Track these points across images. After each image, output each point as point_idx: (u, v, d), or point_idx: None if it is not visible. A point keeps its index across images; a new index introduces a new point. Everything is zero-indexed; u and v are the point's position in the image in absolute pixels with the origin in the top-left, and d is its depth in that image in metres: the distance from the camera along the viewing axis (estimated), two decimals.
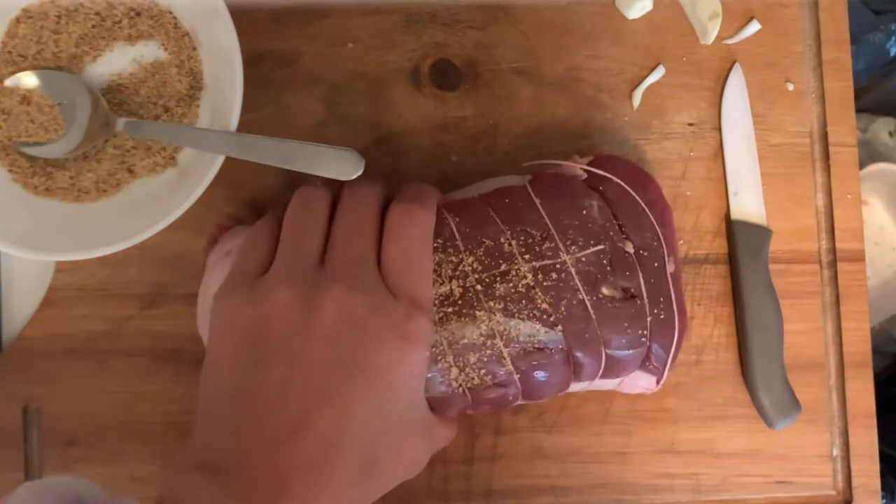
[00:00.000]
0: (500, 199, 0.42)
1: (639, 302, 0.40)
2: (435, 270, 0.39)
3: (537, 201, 0.41)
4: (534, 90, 0.49)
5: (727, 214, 0.49)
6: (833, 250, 0.50)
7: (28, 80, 0.44)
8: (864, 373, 0.50)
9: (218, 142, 0.42)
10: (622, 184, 0.42)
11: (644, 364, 0.42)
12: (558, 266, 0.40)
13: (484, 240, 0.40)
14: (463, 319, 0.39)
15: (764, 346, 0.48)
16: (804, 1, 0.51)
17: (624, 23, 0.50)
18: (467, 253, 0.40)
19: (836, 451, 0.50)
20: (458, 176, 0.48)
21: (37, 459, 0.46)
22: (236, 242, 0.42)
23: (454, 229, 0.40)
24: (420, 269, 0.38)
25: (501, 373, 0.39)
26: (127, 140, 0.45)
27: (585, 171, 0.43)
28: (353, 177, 0.40)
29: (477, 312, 0.39)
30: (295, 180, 0.47)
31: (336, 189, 0.41)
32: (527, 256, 0.40)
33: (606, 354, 0.40)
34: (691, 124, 0.50)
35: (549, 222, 0.41)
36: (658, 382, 0.43)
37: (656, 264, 0.41)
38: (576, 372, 0.41)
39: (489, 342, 0.39)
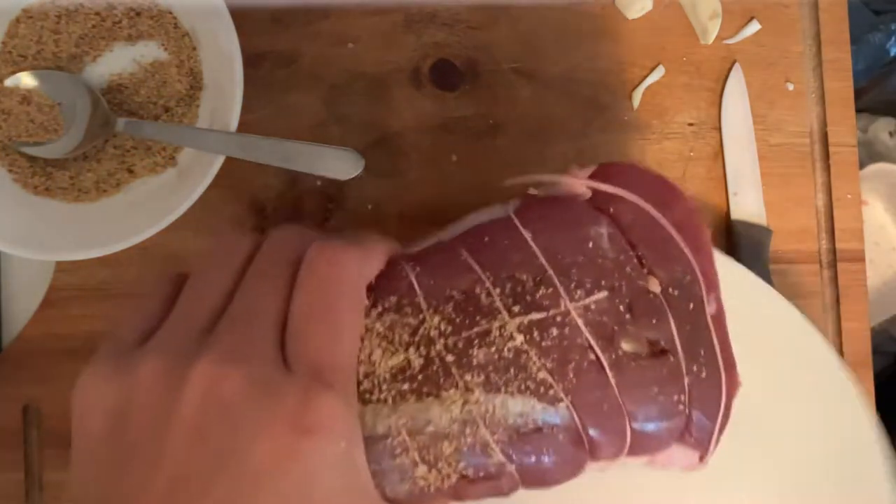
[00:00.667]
0: (478, 239, 0.33)
1: (672, 358, 0.31)
2: (385, 337, 0.30)
3: (527, 235, 0.32)
4: (534, 90, 0.49)
5: (727, 214, 0.49)
6: (833, 250, 0.50)
7: (28, 80, 0.44)
8: (864, 373, 0.50)
9: (218, 142, 0.42)
10: (639, 201, 0.33)
11: (683, 437, 0.32)
12: (559, 319, 0.31)
13: (454, 293, 0.31)
14: (425, 399, 0.30)
15: None
16: (804, 1, 0.51)
17: (624, 23, 0.50)
18: (431, 311, 0.31)
19: None
20: (458, 176, 0.48)
21: (37, 459, 0.46)
22: None
23: (413, 282, 0.31)
24: (332, 326, 0.29)
25: (489, 465, 0.30)
26: (127, 140, 0.45)
27: (589, 187, 0.34)
28: (353, 176, 0.40)
29: (446, 390, 0.30)
30: (295, 180, 0.47)
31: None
32: (514, 309, 0.31)
33: (632, 429, 0.31)
34: (691, 124, 0.50)
35: (544, 262, 0.32)
36: (703, 459, 0.33)
37: (692, 305, 0.32)
38: (591, 452, 0.31)
39: (467, 428, 0.30)
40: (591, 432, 0.31)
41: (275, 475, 0.26)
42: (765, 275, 0.48)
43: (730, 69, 0.50)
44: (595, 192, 0.34)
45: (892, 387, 0.65)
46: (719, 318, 0.33)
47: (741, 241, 0.48)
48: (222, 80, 0.44)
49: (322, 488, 0.26)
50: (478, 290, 0.31)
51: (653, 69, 0.50)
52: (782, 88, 0.50)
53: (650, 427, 0.31)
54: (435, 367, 0.30)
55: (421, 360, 0.30)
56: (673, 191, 0.34)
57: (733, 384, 0.33)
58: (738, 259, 0.48)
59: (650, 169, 0.34)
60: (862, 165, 0.68)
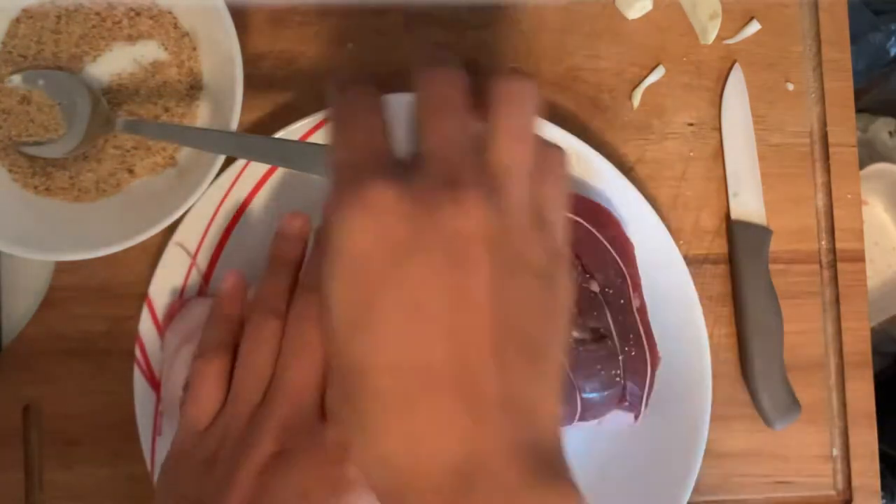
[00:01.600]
0: None
1: (609, 342, 0.40)
2: None
3: None
4: None
5: (727, 214, 0.49)
6: (833, 250, 0.50)
7: (28, 79, 0.44)
8: (864, 373, 0.50)
9: (218, 141, 0.41)
10: (583, 222, 0.42)
11: (620, 403, 0.41)
12: None
13: None
14: None
15: (764, 346, 0.48)
16: (804, 1, 0.51)
17: (624, 23, 0.50)
18: None
19: (836, 451, 0.49)
20: None
21: (37, 459, 0.46)
22: (197, 320, 0.41)
23: None
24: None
25: None
26: (127, 140, 0.45)
27: None
28: None
29: None
30: None
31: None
32: None
33: (582, 399, 0.40)
34: (691, 124, 0.50)
35: None
36: (636, 418, 0.42)
37: (622, 301, 0.41)
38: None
39: None
40: None
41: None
42: (765, 275, 0.48)
43: (730, 69, 0.50)
44: None
45: (892, 387, 0.65)
46: (643, 309, 0.43)
47: (741, 241, 0.48)
48: (222, 80, 0.44)
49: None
50: None
51: (653, 69, 0.50)
52: (782, 88, 0.50)
53: (595, 396, 0.40)
54: None
55: None
56: (608, 214, 0.43)
57: (655, 359, 0.42)
58: (738, 259, 0.48)
59: (590, 198, 0.44)
60: (862, 165, 0.68)
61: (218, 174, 0.44)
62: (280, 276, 0.39)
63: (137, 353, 0.44)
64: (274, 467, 0.33)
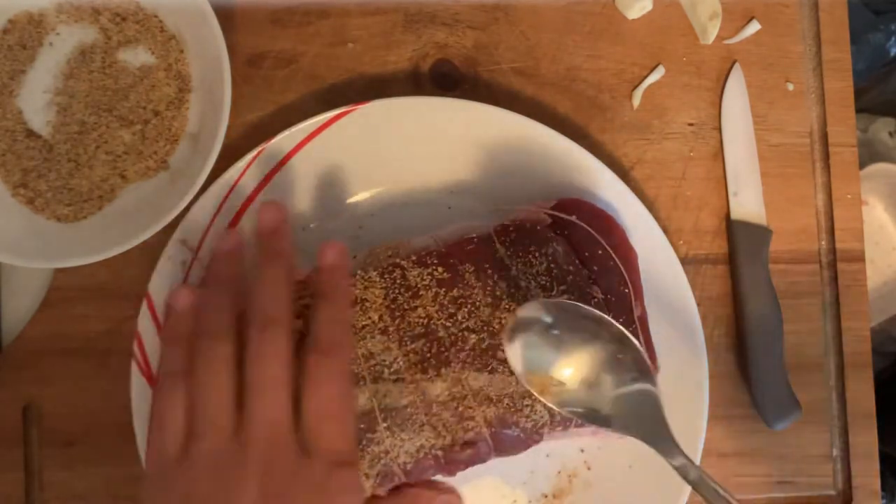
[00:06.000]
0: (466, 251, 0.41)
1: None
2: (403, 329, 0.39)
3: (502, 251, 0.41)
4: (534, 90, 0.49)
5: (727, 214, 0.49)
6: (833, 250, 0.50)
7: None
8: (864, 373, 0.50)
9: None
10: (586, 227, 0.42)
11: None
12: None
13: (451, 294, 0.40)
14: (433, 377, 0.39)
15: (764, 346, 0.48)
16: (804, 1, 0.51)
17: (624, 23, 0.50)
18: (436, 308, 0.40)
19: (836, 451, 0.50)
20: None
21: (37, 459, 0.46)
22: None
23: (420, 285, 0.40)
24: (342, 421, 0.37)
25: (473, 429, 0.39)
26: (118, 145, 0.45)
27: (549, 215, 0.43)
28: None
29: (447, 368, 0.39)
30: None
31: (240, 331, 0.38)
32: (496, 307, 0.40)
33: None
34: (691, 124, 0.50)
35: (515, 272, 0.41)
36: None
37: (624, 308, 0.41)
38: (549, 423, 0.40)
39: (460, 398, 0.39)
40: (549, 404, 0.39)
41: None
42: (765, 275, 0.48)
43: (730, 69, 0.50)
44: (554, 218, 0.43)
45: (892, 387, 0.65)
46: (643, 318, 0.43)
47: (741, 241, 0.48)
48: (211, 81, 0.44)
49: None
50: (469, 293, 0.40)
51: (653, 69, 0.50)
52: (782, 88, 0.50)
53: None
54: (442, 353, 0.39)
55: (428, 347, 0.39)
56: (612, 222, 0.43)
57: (654, 369, 0.41)
58: (738, 259, 0.48)
59: (596, 204, 0.44)
60: (862, 165, 0.68)
61: (219, 174, 0.44)
62: (221, 295, 0.39)
63: (136, 350, 0.44)
64: (270, 494, 0.33)
